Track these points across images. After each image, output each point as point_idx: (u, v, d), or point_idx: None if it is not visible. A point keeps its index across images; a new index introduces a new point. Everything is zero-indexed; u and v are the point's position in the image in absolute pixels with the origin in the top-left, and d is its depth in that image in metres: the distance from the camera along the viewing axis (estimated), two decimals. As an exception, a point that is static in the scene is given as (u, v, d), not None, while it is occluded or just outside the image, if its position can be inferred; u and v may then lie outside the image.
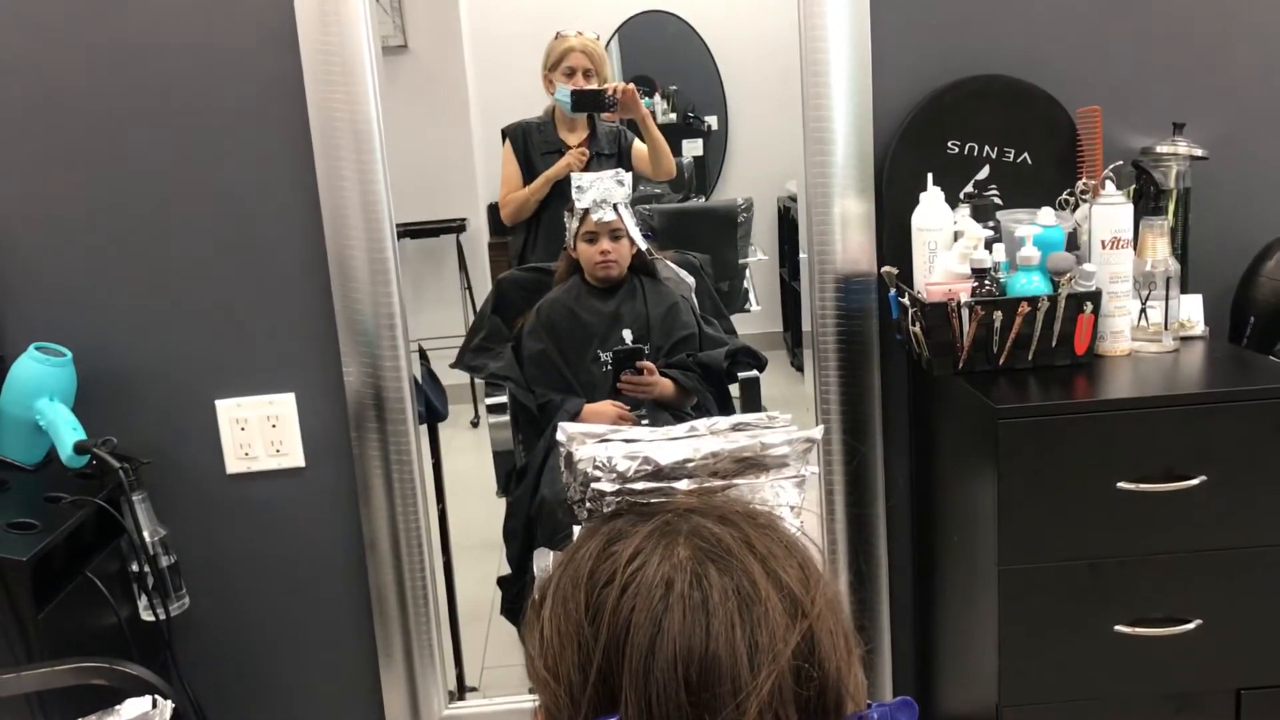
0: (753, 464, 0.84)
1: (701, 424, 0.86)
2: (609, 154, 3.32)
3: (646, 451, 0.81)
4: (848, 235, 2.00)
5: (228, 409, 2.04)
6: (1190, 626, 1.69)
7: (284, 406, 2.04)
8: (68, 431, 1.80)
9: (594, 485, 0.81)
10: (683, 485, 0.81)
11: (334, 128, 1.92)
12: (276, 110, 1.94)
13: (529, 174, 3.30)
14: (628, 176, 2.80)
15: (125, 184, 1.97)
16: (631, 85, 3.19)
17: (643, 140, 3.29)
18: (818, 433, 0.85)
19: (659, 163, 3.32)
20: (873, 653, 2.15)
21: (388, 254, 1.97)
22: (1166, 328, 1.84)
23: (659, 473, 0.80)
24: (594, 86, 3.15)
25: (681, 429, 0.85)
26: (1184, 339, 1.89)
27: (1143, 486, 1.65)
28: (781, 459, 0.85)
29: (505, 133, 3.36)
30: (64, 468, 1.84)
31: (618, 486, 0.80)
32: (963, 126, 1.97)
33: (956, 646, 1.99)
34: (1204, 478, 1.64)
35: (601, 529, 0.77)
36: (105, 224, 1.98)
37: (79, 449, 1.79)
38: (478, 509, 3.14)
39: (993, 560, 1.69)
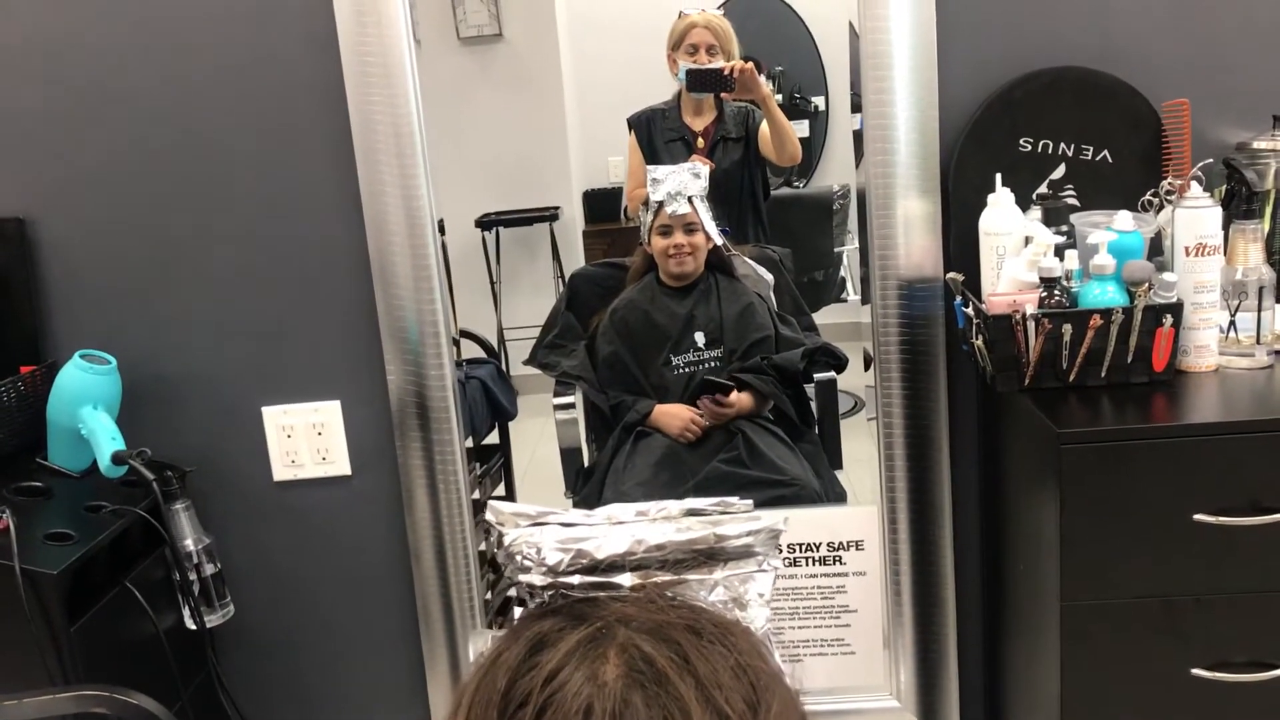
0: (707, 555, 0.74)
1: (651, 508, 0.76)
2: (736, 137, 3.18)
3: (581, 544, 0.72)
4: (911, 237, 1.88)
5: (274, 416, 2.02)
6: (1278, 672, 1.54)
7: (329, 414, 2.02)
8: (106, 441, 1.80)
9: (523, 577, 0.73)
10: (626, 580, 0.72)
11: (374, 130, 1.88)
12: (318, 114, 1.91)
13: (652, 162, 3.19)
14: (704, 169, 2.72)
15: (168, 191, 1.96)
16: (751, 64, 3.02)
17: None
18: (780, 522, 0.75)
19: (783, 147, 3.10)
20: (939, 681, 2.03)
21: (430, 258, 1.93)
22: (1259, 341, 1.68)
23: (595, 567, 0.72)
24: (713, 65, 3.03)
25: (629, 511, 0.76)
26: (1279, 353, 1.72)
27: (1223, 520, 1.50)
28: (744, 549, 0.75)
29: (630, 122, 3.27)
30: (110, 475, 1.84)
31: (549, 580, 0.72)
32: (1036, 122, 1.82)
33: (1022, 681, 1.86)
34: (1293, 511, 1.49)
35: (528, 630, 0.68)
36: (149, 231, 1.97)
37: (116, 459, 1.78)
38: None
39: (1055, 594, 1.57)
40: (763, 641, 0.67)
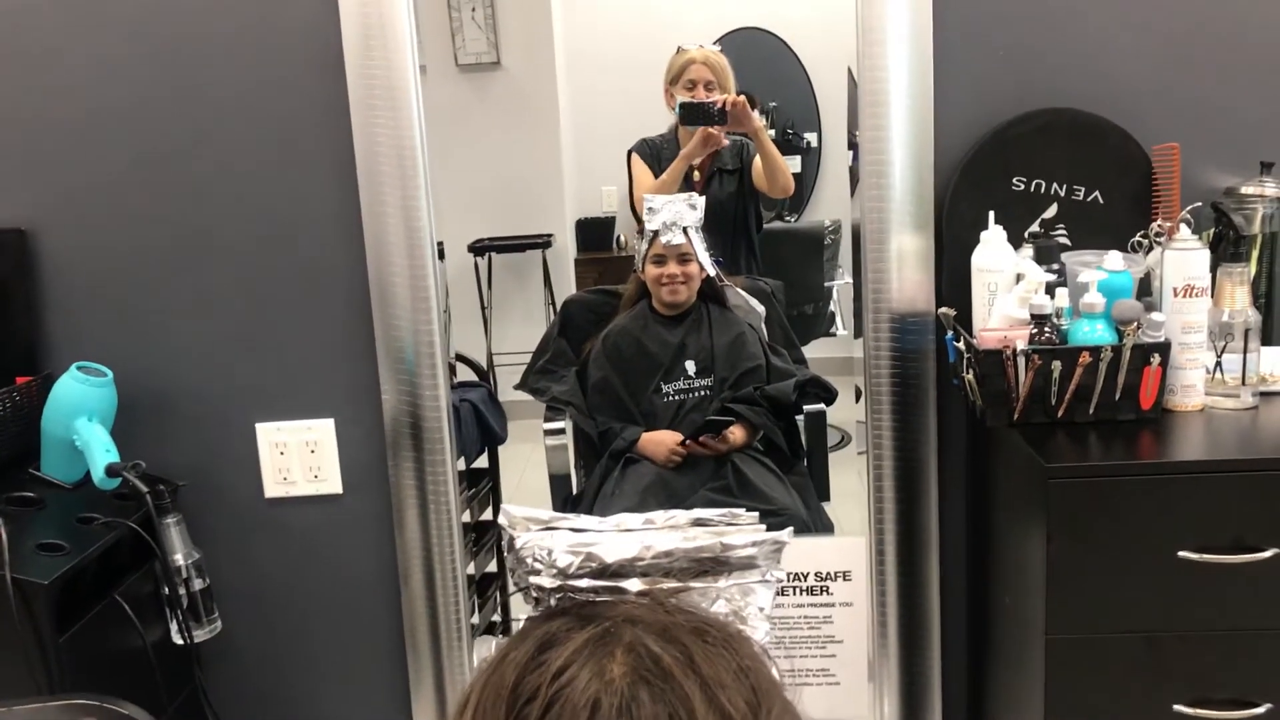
0: (712, 564, 0.76)
1: (659, 517, 0.78)
2: (731, 170, 3.22)
3: (591, 547, 0.74)
4: (904, 272, 1.91)
5: (268, 433, 2.03)
6: (1260, 711, 1.56)
7: (323, 432, 2.03)
8: (101, 453, 1.80)
9: (533, 579, 0.74)
10: (633, 585, 0.74)
11: (377, 153, 1.90)
12: (321, 135, 1.93)
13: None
14: (700, 200, 2.75)
15: (170, 206, 1.98)
16: (743, 98, 3.05)
17: None
18: (786, 535, 0.77)
19: (774, 179, 3.13)
20: (923, 714, 2.04)
21: (429, 280, 1.94)
22: (1244, 382, 1.71)
23: (604, 571, 0.74)
24: (708, 99, 3.06)
25: (637, 520, 0.78)
26: (1264, 394, 1.75)
27: (1207, 557, 1.52)
28: (748, 560, 0.77)
29: (632, 150, 3.29)
30: (103, 487, 1.85)
31: (559, 583, 0.74)
32: (1029, 162, 1.86)
33: (1007, 715, 1.87)
34: (1276, 550, 1.50)
35: (536, 630, 0.70)
36: (150, 246, 1.99)
37: (110, 471, 1.79)
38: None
39: (1040, 628, 1.59)
40: (764, 650, 0.69)
